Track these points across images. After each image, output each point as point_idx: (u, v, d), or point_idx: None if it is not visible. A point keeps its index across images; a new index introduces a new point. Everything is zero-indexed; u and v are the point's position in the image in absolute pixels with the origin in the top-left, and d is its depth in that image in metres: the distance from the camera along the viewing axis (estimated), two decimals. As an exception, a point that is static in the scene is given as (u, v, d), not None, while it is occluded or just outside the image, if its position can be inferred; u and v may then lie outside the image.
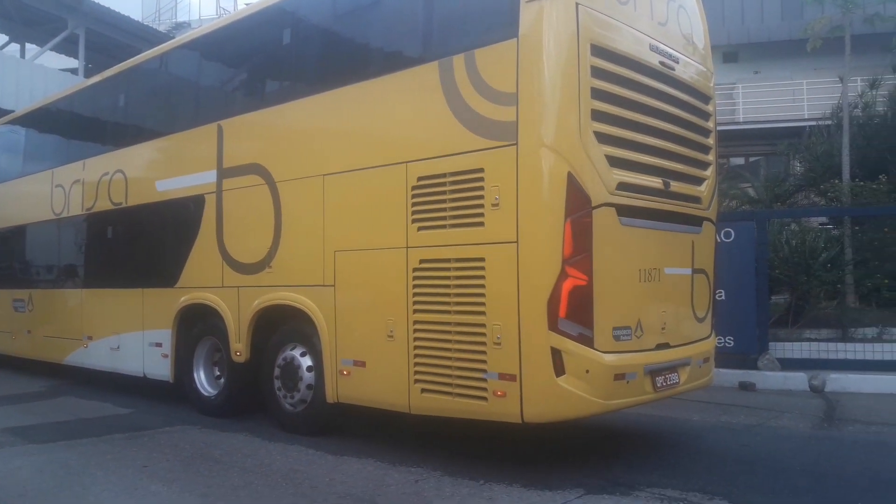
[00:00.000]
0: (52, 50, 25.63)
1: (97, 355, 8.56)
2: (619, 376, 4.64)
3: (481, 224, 4.69)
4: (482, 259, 4.68)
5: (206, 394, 7.13)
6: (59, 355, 9.35)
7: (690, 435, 6.27)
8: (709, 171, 5.78)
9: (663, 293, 5.20)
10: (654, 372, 4.96)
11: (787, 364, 8.81)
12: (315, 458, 5.30)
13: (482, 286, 4.68)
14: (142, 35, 28.27)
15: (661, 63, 5.14)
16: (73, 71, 25.50)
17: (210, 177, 6.92)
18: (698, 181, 5.64)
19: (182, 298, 7.22)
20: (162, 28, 31.82)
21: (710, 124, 5.84)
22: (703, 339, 5.69)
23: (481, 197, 4.69)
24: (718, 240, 8.34)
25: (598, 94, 4.58)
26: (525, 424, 4.52)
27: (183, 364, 7.28)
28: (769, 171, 18.22)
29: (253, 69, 7.21)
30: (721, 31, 25.79)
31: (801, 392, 8.23)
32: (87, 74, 24.45)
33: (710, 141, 5.83)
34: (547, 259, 4.41)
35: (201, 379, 7.20)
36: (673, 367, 5.20)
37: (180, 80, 8.12)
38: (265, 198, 6.31)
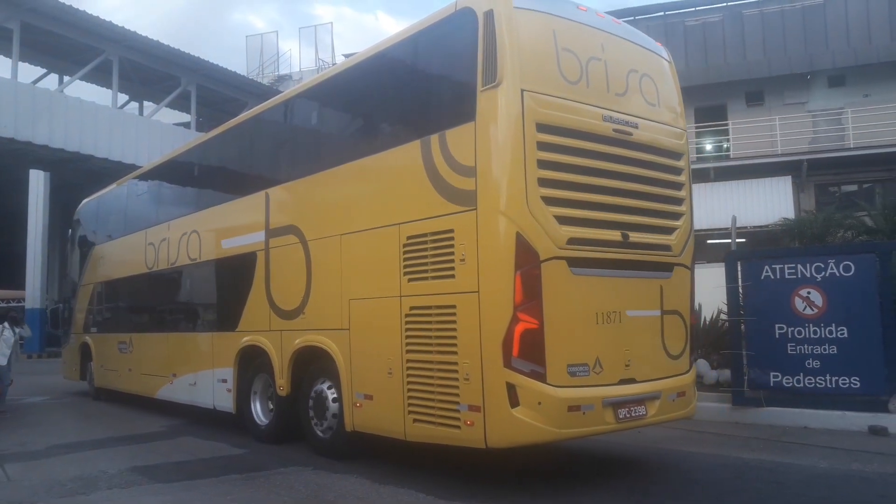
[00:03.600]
0: (166, 106, 28.34)
1: (180, 390, 9.98)
2: (574, 408, 5.28)
3: (452, 276, 5.53)
4: (454, 306, 5.51)
5: (259, 423, 8.24)
6: (152, 390, 10.90)
7: (819, 484, 5.78)
8: (681, 221, 6.34)
9: (626, 333, 5.78)
10: (615, 404, 5.56)
11: (922, 406, 8.02)
12: (426, 503, 5.45)
13: (454, 329, 5.50)
14: (247, 88, 30.64)
15: (616, 130, 5.82)
16: (186, 125, 28.21)
17: (260, 236, 8.14)
18: (668, 230, 6.22)
19: (242, 340, 8.42)
20: (265, 81, 34.43)
21: (682, 178, 6.42)
22: (679, 374, 6.19)
23: (452, 253, 5.54)
24: (837, 274, 8.27)
25: (544, 164, 5.34)
26: (488, 449, 5.25)
27: (243, 397, 8.45)
28: (887, 199, 16.90)
29: (288, 145, 8.39)
30: (825, 55, 25.08)
31: (940, 437, 7.55)
32: (199, 127, 27.01)
33: (682, 193, 6.40)
34: (501, 306, 5.18)
35: (257, 410, 8.33)
36: (639, 401, 5.76)
37: (235, 155, 9.50)
38: (300, 254, 7.42)
